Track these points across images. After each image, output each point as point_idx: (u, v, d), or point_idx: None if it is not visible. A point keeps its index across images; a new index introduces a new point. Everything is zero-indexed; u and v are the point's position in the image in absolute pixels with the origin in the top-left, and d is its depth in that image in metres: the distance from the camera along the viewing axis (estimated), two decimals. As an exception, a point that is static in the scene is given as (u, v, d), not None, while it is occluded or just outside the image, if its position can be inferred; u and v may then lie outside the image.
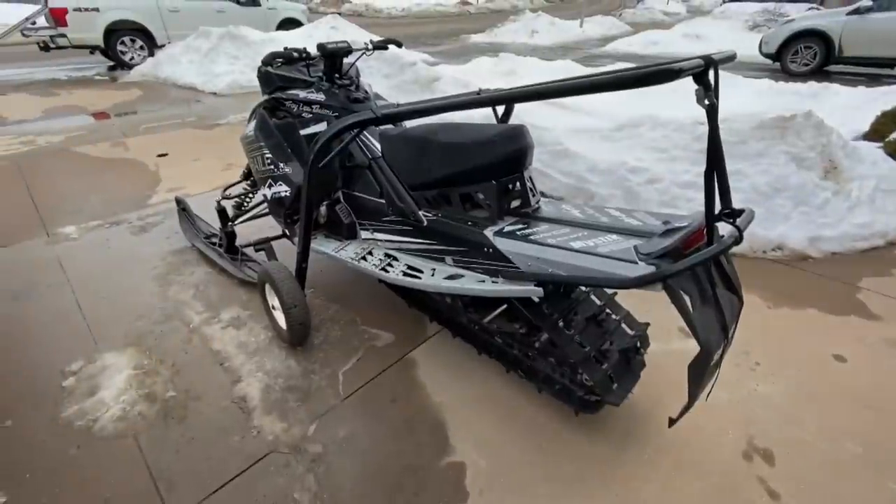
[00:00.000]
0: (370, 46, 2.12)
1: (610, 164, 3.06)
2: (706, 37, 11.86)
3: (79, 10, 8.07)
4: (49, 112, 5.95)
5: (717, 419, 1.63)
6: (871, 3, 7.35)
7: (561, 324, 1.54)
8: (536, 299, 1.54)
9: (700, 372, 1.13)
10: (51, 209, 3.30)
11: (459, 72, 5.48)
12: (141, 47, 8.88)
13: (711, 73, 0.97)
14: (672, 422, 1.25)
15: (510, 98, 1.36)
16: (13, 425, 1.65)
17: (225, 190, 2.61)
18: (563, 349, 1.49)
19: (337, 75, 2.05)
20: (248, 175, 2.57)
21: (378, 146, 1.88)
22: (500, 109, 1.93)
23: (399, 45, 2.25)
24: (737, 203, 1.13)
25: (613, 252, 1.22)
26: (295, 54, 2.10)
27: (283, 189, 2.04)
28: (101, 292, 2.38)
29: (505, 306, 1.74)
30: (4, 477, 1.47)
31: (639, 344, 1.64)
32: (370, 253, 1.86)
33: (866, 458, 1.51)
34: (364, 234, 1.96)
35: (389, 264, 1.75)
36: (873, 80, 6.93)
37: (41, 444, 1.58)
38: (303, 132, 1.99)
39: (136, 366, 1.90)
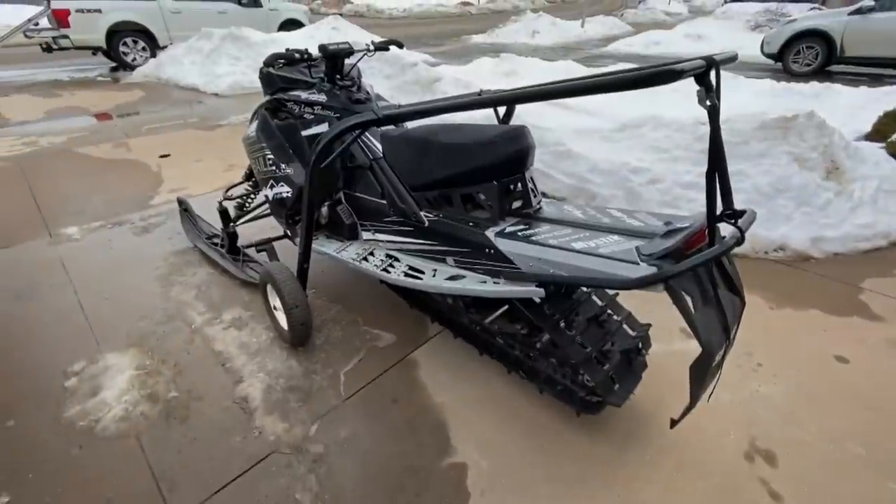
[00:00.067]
0: (371, 47, 2.13)
1: (612, 164, 3.06)
2: (708, 37, 11.85)
3: (81, 11, 8.10)
4: (51, 113, 5.97)
5: (718, 420, 1.63)
6: (873, 3, 7.34)
7: (562, 324, 1.53)
8: (538, 300, 1.53)
9: (702, 373, 1.13)
10: (53, 210, 3.31)
11: (460, 72, 5.48)
12: (143, 48, 8.90)
13: (713, 74, 0.97)
14: (674, 423, 1.25)
15: (511, 99, 1.36)
16: (16, 425, 1.66)
17: (227, 191, 2.62)
18: (565, 350, 1.49)
19: (338, 76, 2.06)
20: (249, 176, 2.57)
21: (379, 147, 1.88)
22: (502, 110, 1.93)
23: (400, 45, 2.25)
24: (738, 204, 1.13)
25: (615, 253, 1.22)
26: (296, 55, 2.10)
27: (284, 190, 2.04)
28: (104, 293, 2.39)
29: (506, 307, 1.74)
30: (7, 477, 1.48)
31: (640, 345, 1.64)
32: (371, 254, 1.86)
33: (868, 459, 1.50)
34: (365, 235, 1.97)
35: (391, 265, 1.75)
36: (875, 81, 6.92)
37: (44, 444, 1.59)
38: (304, 133, 2.00)
39: (138, 366, 1.91)
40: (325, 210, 2.01)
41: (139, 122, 5.60)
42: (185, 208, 2.96)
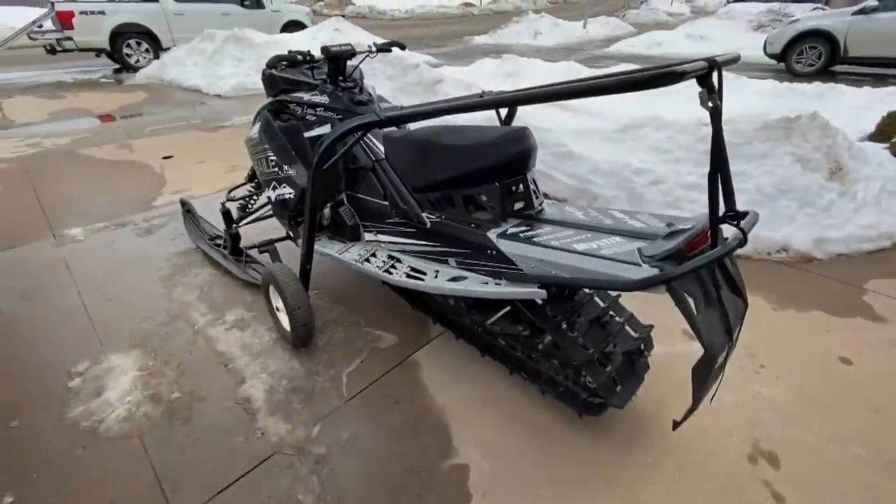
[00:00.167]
0: (374, 49, 2.13)
1: (614, 165, 3.06)
2: (710, 37, 11.83)
3: (85, 13, 8.14)
4: (55, 114, 6.00)
5: (721, 422, 1.63)
6: (876, 3, 7.31)
7: (564, 326, 1.53)
8: (540, 301, 1.53)
9: (704, 374, 1.13)
10: (57, 211, 3.33)
11: (462, 73, 5.49)
12: (146, 50, 8.94)
13: (715, 76, 0.97)
14: (676, 424, 1.25)
15: (513, 101, 1.36)
16: (20, 425, 1.67)
17: (229, 192, 2.63)
18: (567, 351, 1.49)
19: (341, 78, 2.06)
20: (252, 177, 2.58)
21: (381, 148, 1.88)
22: (504, 111, 1.94)
23: (402, 47, 2.26)
24: (741, 205, 1.13)
25: (617, 254, 1.22)
26: (299, 57, 2.10)
27: (287, 191, 2.05)
28: (107, 293, 2.40)
29: (508, 308, 1.74)
30: (12, 477, 1.48)
31: (643, 346, 1.64)
32: (374, 255, 1.86)
33: (871, 461, 1.50)
34: (368, 236, 1.97)
35: (393, 266, 1.75)
36: (879, 81, 6.89)
37: (48, 444, 1.59)
38: (307, 134, 2.00)
39: (141, 367, 1.91)
40: (327, 211, 2.01)
41: (142, 123, 5.63)
42: (187, 209, 2.97)
